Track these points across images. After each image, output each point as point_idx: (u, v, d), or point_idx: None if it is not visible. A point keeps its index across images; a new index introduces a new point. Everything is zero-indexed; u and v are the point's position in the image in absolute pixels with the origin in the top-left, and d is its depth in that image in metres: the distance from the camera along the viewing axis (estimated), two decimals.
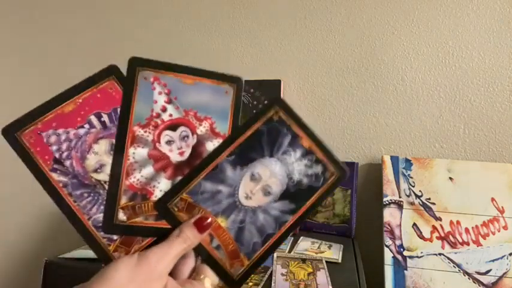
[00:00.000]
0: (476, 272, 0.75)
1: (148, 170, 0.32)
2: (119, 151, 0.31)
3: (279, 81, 0.94)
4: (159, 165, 0.32)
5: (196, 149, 0.33)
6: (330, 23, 0.96)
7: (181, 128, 0.33)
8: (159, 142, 0.32)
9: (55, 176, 0.30)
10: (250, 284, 0.50)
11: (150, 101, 0.32)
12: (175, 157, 0.32)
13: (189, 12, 1.06)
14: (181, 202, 0.32)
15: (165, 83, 0.33)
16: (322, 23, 0.97)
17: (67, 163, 0.31)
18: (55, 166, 0.30)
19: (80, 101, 0.31)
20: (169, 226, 0.32)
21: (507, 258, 0.74)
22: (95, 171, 0.31)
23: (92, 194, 0.31)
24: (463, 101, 0.88)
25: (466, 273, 0.75)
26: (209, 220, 0.32)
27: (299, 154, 0.35)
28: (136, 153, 0.32)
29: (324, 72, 0.96)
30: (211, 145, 0.34)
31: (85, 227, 0.31)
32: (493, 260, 0.75)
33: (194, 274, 0.32)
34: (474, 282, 0.74)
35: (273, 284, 0.50)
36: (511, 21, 0.85)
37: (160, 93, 0.33)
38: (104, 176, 0.31)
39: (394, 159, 0.84)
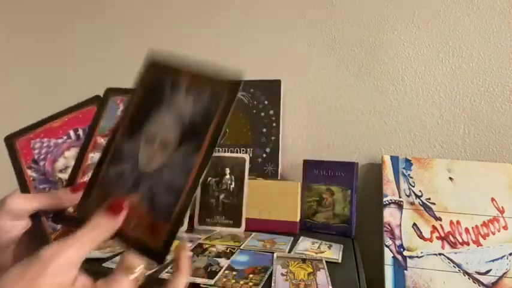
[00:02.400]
0: (476, 272, 0.75)
1: None
2: (80, 155, 0.37)
3: (279, 81, 0.94)
4: None
5: None
6: (330, 23, 0.96)
7: None
8: None
9: (29, 172, 0.38)
10: (250, 284, 0.50)
11: (113, 117, 0.39)
12: None
13: (189, 12, 1.06)
14: (96, 199, 0.33)
15: None
16: (322, 22, 0.97)
17: (41, 163, 0.38)
18: (32, 165, 0.38)
19: (66, 119, 0.40)
20: None
21: (507, 258, 0.74)
22: (61, 171, 0.38)
23: (52, 189, 0.38)
24: (463, 101, 0.88)
25: (466, 273, 0.75)
26: (119, 201, 0.30)
27: (182, 93, 0.32)
28: (94, 157, 0.37)
29: (324, 72, 0.96)
30: None
31: (37, 214, 0.35)
32: (493, 260, 0.75)
33: (120, 267, 0.29)
34: (474, 282, 0.74)
35: (273, 284, 0.50)
36: (511, 21, 0.85)
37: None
38: (66, 175, 0.38)
39: (394, 159, 0.84)
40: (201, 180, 0.29)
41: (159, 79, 0.33)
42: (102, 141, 0.38)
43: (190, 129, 0.31)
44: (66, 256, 0.26)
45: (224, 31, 1.03)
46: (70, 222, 0.35)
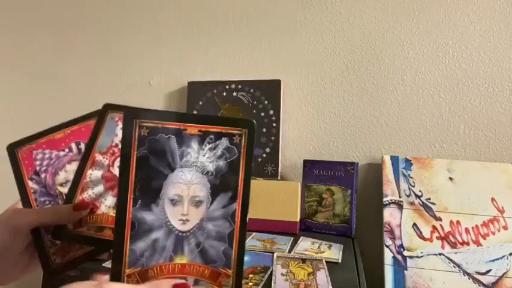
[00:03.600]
0: (476, 272, 0.75)
1: (100, 188, 0.37)
2: (78, 172, 0.37)
3: (279, 81, 0.94)
4: (109, 184, 0.38)
5: None
6: (330, 23, 0.96)
7: None
8: (113, 166, 0.38)
9: (30, 184, 0.38)
10: (250, 284, 0.50)
11: (112, 134, 0.39)
12: None
13: (189, 13, 1.06)
14: (131, 278, 0.30)
15: None
16: (322, 23, 0.97)
17: (42, 175, 0.38)
18: (33, 176, 0.38)
19: (68, 131, 0.40)
20: (107, 237, 0.35)
21: (507, 258, 0.74)
22: (61, 185, 0.38)
23: (52, 203, 0.37)
24: (463, 101, 0.88)
25: (466, 273, 0.75)
26: (184, 282, 0.29)
27: (195, 145, 0.31)
28: (93, 174, 0.38)
29: (324, 72, 0.96)
30: None
31: (38, 229, 0.36)
32: (493, 260, 0.75)
33: None
34: (474, 282, 0.74)
35: (273, 284, 0.50)
36: (511, 21, 0.85)
37: (121, 128, 0.39)
38: (67, 189, 0.37)
39: (394, 159, 0.84)
40: (247, 220, 0.31)
41: (154, 139, 0.31)
42: (100, 158, 0.38)
43: (221, 180, 0.31)
44: None
45: (224, 31, 1.03)
46: (70, 239, 0.36)
